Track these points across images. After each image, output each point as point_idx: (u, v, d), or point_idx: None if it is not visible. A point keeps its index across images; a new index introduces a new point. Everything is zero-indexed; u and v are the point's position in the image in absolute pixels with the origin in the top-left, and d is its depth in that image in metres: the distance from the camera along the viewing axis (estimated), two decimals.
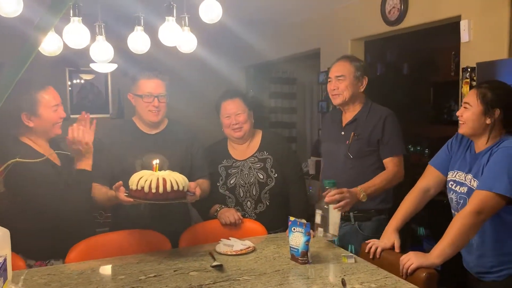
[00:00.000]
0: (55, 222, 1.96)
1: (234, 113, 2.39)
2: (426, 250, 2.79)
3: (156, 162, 1.86)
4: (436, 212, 2.73)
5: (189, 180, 1.93)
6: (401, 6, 3.36)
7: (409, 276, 1.68)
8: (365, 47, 4.10)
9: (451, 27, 3.11)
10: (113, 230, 2.23)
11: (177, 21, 1.90)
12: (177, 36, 1.90)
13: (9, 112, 1.96)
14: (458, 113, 1.81)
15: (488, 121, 1.72)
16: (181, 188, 1.81)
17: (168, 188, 1.77)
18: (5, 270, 1.49)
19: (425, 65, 5.16)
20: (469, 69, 2.72)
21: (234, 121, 2.39)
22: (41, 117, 1.97)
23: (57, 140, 2.15)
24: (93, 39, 1.92)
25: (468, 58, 2.84)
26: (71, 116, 5.59)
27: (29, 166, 1.76)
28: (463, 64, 2.88)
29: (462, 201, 1.79)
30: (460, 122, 1.80)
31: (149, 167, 1.89)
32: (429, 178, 1.99)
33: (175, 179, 1.80)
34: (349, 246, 2.22)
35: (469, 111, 1.75)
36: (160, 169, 1.87)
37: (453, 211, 1.88)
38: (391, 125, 2.27)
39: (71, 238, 1.99)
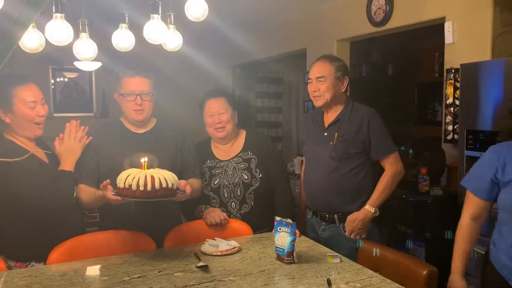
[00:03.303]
0: (38, 222, 1.92)
1: (217, 112, 2.37)
2: (411, 250, 2.84)
3: (144, 160, 1.83)
4: (419, 213, 2.76)
5: (180, 179, 1.91)
6: (386, 7, 3.38)
7: None
8: (351, 47, 4.12)
9: (436, 28, 3.15)
10: (102, 230, 2.19)
11: (163, 19, 1.88)
12: (162, 34, 1.87)
13: None
14: None
15: None
16: (170, 185, 1.78)
17: (157, 185, 1.74)
18: None
19: (409, 66, 5.21)
20: (453, 70, 2.75)
21: (217, 120, 2.37)
22: (16, 113, 1.92)
23: (44, 138, 2.10)
24: (76, 36, 1.88)
25: (452, 59, 2.88)
26: (55, 114, 5.52)
27: (12, 164, 1.72)
28: (447, 65, 2.91)
29: None
30: None
31: (138, 166, 1.86)
32: (474, 208, 1.72)
33: (164, 176, 1.77)
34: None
35: None
36: (149, 168, 1.83)
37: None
38: (377, 125, 2.26)
39: (54, 239, 1.95)
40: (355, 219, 2.22)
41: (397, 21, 3.37)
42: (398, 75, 5.31)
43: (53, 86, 5.80)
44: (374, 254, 1.92)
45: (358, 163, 2.26)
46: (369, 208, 2.22)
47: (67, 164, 2.04)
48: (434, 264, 1.74)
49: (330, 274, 1.69)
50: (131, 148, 2.14)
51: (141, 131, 2.24)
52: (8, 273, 1.74)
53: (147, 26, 1.83)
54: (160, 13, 1.84)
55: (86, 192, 2.06)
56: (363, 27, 3.68)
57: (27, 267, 1.91)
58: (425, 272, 1.66)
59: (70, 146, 2.07)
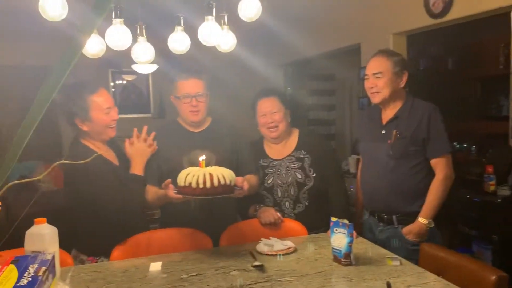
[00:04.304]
0: (109, 220, 2.00)
1: (270, 111, 2.36)
2: (476, 252, 2.69)
3: (202, 158, 1.87)
4: (485, 214, 2.60)
5: (237, 176, 1.92)
6: None
7: None
8: (408, 41, 3.97)
9: (499, 18, 2.96)
10: (162, 227, 2.27)
11: (217, 20, 1.89)
12: (217, 35, 1.89)
13: (65, 117, 2.04)
14: None
15: None
16: (228, 182, 1.80)
17: (215, 182, 1.77)
18: (54, 266, 1.53)
19: (471, 59, 4.94)
20: None
21: (269, 120, 2.36)
22: (93, 120, 2.01)
23: (116, 140, 2.18)
24: (134, 40, 1.94)
25: None
26: None
27: (87, 165, 1.81)
28: None
29: None
30: None
31: (196, 164, 1.90)
32: None
33: (222, 173, 1.80)
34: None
35: None
36: (207, 165, 1.87)
37: None
38: (437, 121, 2.15)
39: (122, 236, 2.04)
40: (409, 232, 2.15)
41: (457, 12, 3.20)
42: (458, 69, 5.05)
43: (113, 89, 6.05)
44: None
45: (418, 162, 2.17)
46: (422, 221, 2.12)
47: (138, 168, 2.11)
48: (502, 269, 1.64)
49: (389, 277, 1.63)
50: (189, 147, 2.18)
51: (198, 130, 2.29)
52: (74, 268, 1.83)
53: (201, 28, 1.85)
54: (214, 14, 1.85)
55: (150, 191, 2.13)
56: (420, 19, 3.53)
57: (97, 261, 2.01)
58: (494, 277, 1.56)
59: (141, 148, 2.14)
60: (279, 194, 2.36)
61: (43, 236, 1.59)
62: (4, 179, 0.58)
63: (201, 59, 3.59)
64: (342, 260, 1.77)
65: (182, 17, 1.95)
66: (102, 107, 2.01)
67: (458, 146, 4.59)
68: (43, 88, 0.62)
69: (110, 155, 2.11)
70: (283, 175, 2.36)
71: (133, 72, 5.62)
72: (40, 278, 1.33)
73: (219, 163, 1.96)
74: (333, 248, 1.82)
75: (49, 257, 1.50)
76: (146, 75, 5.97)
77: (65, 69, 0.66)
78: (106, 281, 1.68)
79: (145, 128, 2.19)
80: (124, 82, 6.14)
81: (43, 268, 1.39)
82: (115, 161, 2.12)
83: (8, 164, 0.56)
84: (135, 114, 5.84)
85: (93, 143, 2.07)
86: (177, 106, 2.27)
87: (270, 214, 2.27)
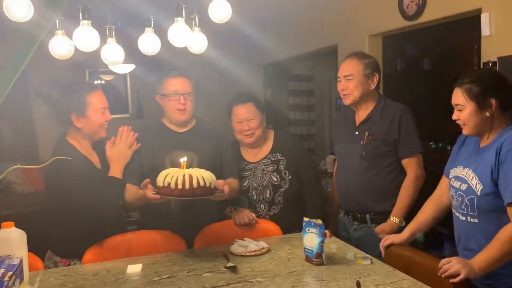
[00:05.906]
0: (84, 223, 1.99)
1: (246, 118, 2.34)
2: (447, 249, 2.73)
3: (183, 160, 1.86)
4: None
5: (219, 179, 1.92)
6: (419, 0, 3.28)
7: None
8: (384, 42, 4.02)
9: (473, 20, 3.02)
10: (141, 229, 2.25)
11: (188, 22, 1.89)
12: (186, 37, 1.89)
13: (58, 112, 2.04)
14: (454, 117, 1.75)
15: (487, 113, 1.67)
16: (207, 184, 1.80)
17: (195, 184, 1.76)
18: (21, 271, 1.51)
19: (447, 60, 5.02)
20: (490, 64, 2.63)
21: (246, 127, 2.34)
22: (89, 118, 2.03)
23: (102, 142, 2.17)
24: (104, 41, 1.93)
25: (490, 52, 2.75)
26: None
27: (69, 167, 1.80)
28: (484, 58, 2.79)
29: (460, 199, 1.72)
30: (460, 125, 1.75)
31: (178, 164, 1.89)
32: (441, 187, 1.96)
33: (202, 175, 1.80)
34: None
35: (464, 111, 1.70)
36: (189, 167, 1.87)
37: (453, 210, 1.82)
38: (408, 122, 2.19)
39: (97, 239, 2.03)
40: (382, 231, 2.18)
41: (430, 14, 3.26)
42: (435, 69, 5.13)
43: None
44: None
45: (390, 162, 2.21)
46: (394, 220, 2.17)
47: (117, 170, 2.10)
48: None
49: (360, 276, 1.66)
50: (172, 147, 2.17)
51: (182, 130, 2.27)
52: (44, 272, 1.80)
53: (171, 30, 1.85)
54: (183, 15, 1.85)
55: (129, 191, 2.11)
56: (395, 21, 3.58)
57: (70, 264, 1.99)
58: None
59: (121, 150, 2.13)
60: (255, 197, 2.37)
61: (10, 241, 1.56)
62: None
63: (181, 61, 3.56)
64: (314, 259, 1.79)
65: (152, 19, 1.94)
66: (98, 106, 2.05)
67: (434, 146, 4.66)
68: None
69: (94, 158, 2.10)
70: (259, 178, 2.37)
71: (111, 72, 5.56)
72: (5, 283, 1.32)
73: (201, 165, 1.96)
74: (305, 248, 1.84)
75: (16, 261, 1.48)
76: (124, 75, 5.90)
77: (21, 63, 0.65)
78: (76, 285, 1.67)
79: (128, 128, 2.18)
80: (103, 82, 6.06)
81: (10, 273, 1.37)
82: (98, 165, 2.11)
83: None
84: (113, 114, 5.72)
85: (80, 142, 2.07)
86: (162, 105, 2.25)
87: (244, 215, 2.27)
